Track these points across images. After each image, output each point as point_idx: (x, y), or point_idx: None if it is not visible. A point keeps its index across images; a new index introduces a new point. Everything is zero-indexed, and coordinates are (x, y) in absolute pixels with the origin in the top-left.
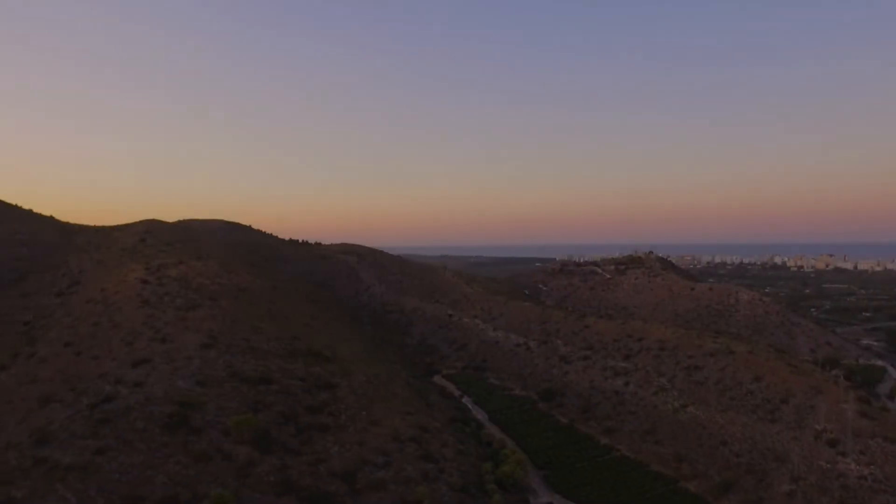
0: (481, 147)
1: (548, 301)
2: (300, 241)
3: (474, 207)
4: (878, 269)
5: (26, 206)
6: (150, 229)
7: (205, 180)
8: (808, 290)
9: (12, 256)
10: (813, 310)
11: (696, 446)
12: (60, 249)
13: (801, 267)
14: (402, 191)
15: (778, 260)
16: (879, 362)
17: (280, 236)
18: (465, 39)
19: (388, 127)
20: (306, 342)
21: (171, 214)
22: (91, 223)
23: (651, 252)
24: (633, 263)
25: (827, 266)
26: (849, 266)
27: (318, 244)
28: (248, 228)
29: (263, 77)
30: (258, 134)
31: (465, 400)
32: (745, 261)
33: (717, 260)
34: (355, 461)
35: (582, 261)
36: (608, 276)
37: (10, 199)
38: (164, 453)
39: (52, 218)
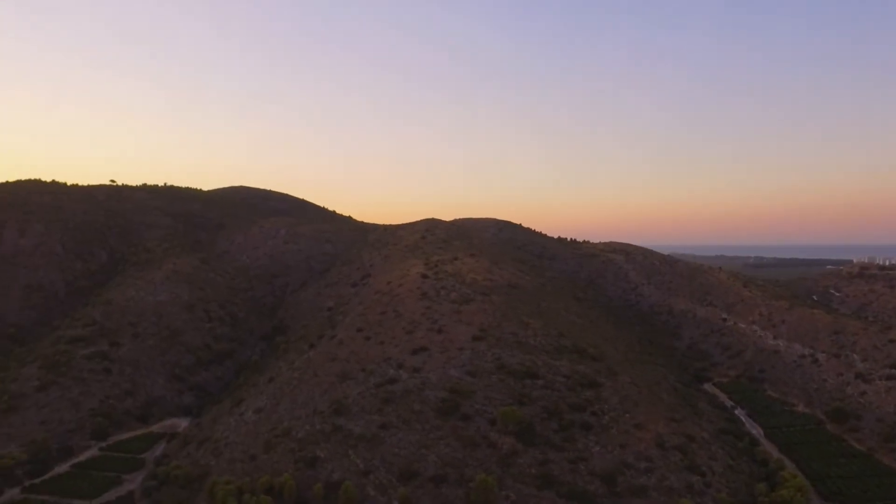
0: (761, 137)
1: (841, 309)
2: (568, 239)
3: (752, 203)
4: None
5: (330, 208)
6: (429, 228)
7: (478, 180)
8: None
9: (320, 252)
10: None
11: None
12: (356, 245)
13: None
14: (674, 187)
15: None
16: None
17: (549, 234)
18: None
19: (658, 124)
20: (572, 340)
21: (448, 213)
22: (380, 222)
23: None
24: None
25: None
26: None
27: (585, 242)
28: (518, 227)
29: (542, 80)
30: (527, 134)
31: (738, 412)
32: None
33: None
34: (616, 463)
35: (887, 263)
36: None
37: (318, 202)
38: (436, 435)
39: (350, 218)
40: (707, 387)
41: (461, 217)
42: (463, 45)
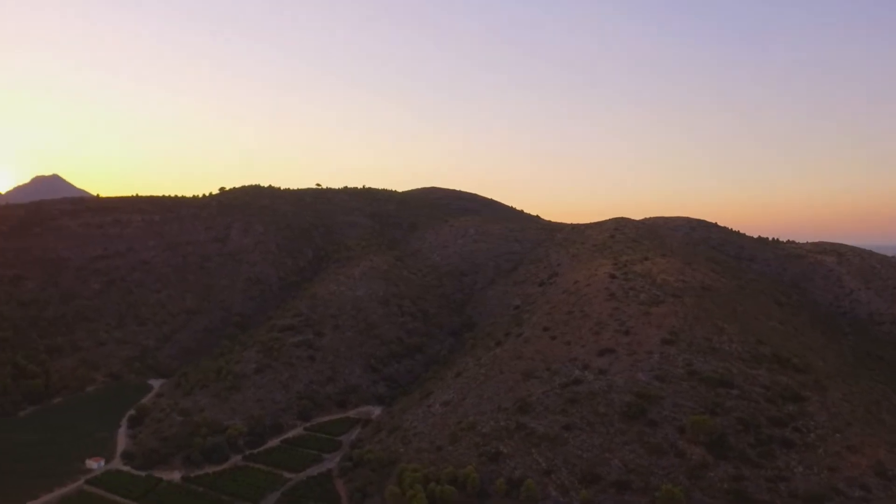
0: None
1: None
2: (770, 238)
3: None
4: None
5: (518, 207)
6: (618, 227)
7: (670, 178)
8: None
9: (508, 250)
10: None
11: None
12: (543, 244)
13: None
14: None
15: None
16: None
17: (747, 234)
18: None
19: (870, 108)
20: (772, 347)
21: (637, 212)
22: (567, 221)
23: None
24: None
25: None
26: None
27: (789, 242)
28: (713, 226)
29: (743, 70)
30: (720, 128)
31: None
32: None
33: None
34: (823, 487)
35: None
36: None
37: (506, 201)
38: (620, 440)
39: (537, 217)
40: None
41: (651, 216)
42: (644, 45)
